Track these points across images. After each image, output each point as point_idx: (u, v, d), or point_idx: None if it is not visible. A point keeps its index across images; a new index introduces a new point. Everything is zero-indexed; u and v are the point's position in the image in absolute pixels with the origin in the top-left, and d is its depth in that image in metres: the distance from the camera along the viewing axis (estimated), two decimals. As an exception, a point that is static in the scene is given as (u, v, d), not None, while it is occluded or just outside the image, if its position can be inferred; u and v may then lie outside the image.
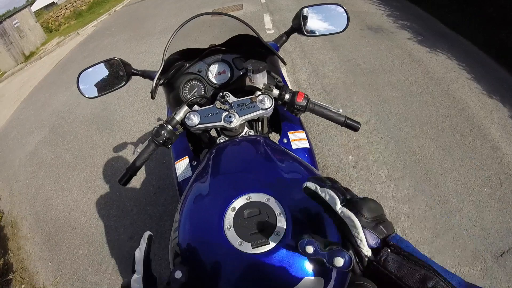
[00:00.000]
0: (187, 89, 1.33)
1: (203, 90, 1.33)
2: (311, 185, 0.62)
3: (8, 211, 3.70)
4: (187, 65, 1.33)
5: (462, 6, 5.80)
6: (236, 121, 1.06)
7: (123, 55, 6.69)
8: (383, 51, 4.63)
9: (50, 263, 2.87)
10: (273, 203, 0.73)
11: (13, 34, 12.35)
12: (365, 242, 0.56)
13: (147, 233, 0.75)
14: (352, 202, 0.58)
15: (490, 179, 2.56)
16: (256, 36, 1.19)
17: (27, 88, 8.24)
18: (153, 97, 1.21)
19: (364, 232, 0.56)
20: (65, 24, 15.91)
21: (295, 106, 1.10)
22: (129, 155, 3.53)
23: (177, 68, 1.34)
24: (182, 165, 1.24)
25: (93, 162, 3.71)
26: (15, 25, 12.53)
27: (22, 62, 12.25)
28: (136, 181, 3.08)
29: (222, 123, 1.07)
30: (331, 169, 2.72)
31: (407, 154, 2.81)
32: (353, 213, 0.56)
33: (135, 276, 0.68)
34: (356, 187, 2.54)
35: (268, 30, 6.01)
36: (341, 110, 1.15)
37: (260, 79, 1.15)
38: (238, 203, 0.74)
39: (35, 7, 20.03)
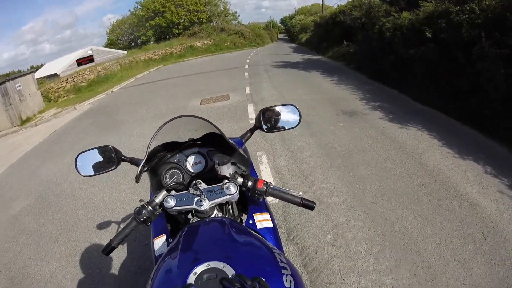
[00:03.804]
0: (167, 176, 1.49)
1: (181, 178, 1.49)
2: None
3: None
4: (169, 155, 1.53)
5: (431, 80, 6.19)
6: (206, 205, 1.18)
7: (116, 135, 6.91)
8: (357, 133, 4.81)
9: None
10: (228, 268, 0.85)
11: (13, 96, 12.33)
12: None
13: None
14: None
15: (473, 236, 2.54)
16: (222, 135, 1.37)
17: (18, 152, 8.13)
18: (137, 181, 1.36)
19: None
20: (64, 96, 16.18)
21: (256, 191, 1.24)
22: (112, 233, 3.37)
23: (160, 158, 1.51)
24: (159, 242, 1.33)
25: (75, 236, 3.53)
26: (17, 88, 12.59)
27: (18, 125, 12.13)
28: (118, 260, 2.91)
29: (194, 206, 1.19)
30: (310, 250, 2.62)
31: (385, 227, 2.76)
32: None
33: None
34: (336, 265, 2.44)
35: (251, 119, 6.28)
36: (301, 193, 1.26)
37: (225, 170, 1.30)
38: (199, 269, 0.86)
39: (38, 74, 20.39)
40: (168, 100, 9.77)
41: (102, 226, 3.54)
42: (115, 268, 2.85)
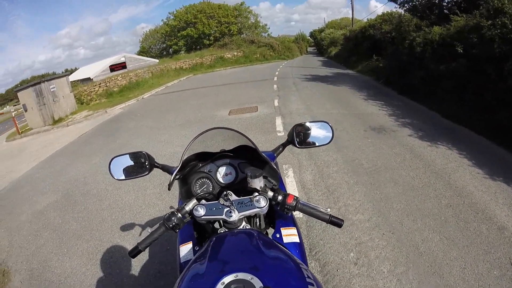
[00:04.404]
0: (197, 185, 1.53)
1: (211, 188, 1.53)
2: None
3: (3, 260, 3.59)
4: (200, 165, 1.57)
5: (461, 95, 6.03)
6: (235, 216, 1.19)
7: (145, 141, 7.10)
8: (385, 150, 4.72)
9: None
10: (256, 281, 0.83)
11: (47, 96, 13.06)
12: None
13: None
14: None
15: (499, 261, 2.42)
16: (255, 149, 1.39)
17: (49, 150, 8.53)
18: (169, 189, 1.42)
19: None
20: (96, 100, 16.81)
21: (286, 206, 1.23)
22: (135, 235, 3.44)
23: (192, 167, 1.55)
24: (185, 249, 1.33)
25: (99, 235, 3.60)
26: (52, 89, 13.31)
27: (50, 124, 12.76)
28: (139, 262, 2.95)
29: (223, 216, 1.20)
30: (332, 266, 2.57)
31: (409, 248, 2.67)
32: None
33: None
34: (357, 284, 2.37)
35: (279, 132, 6.20)
36: (329, 210, 1.25)
37: (257, 183, 1.30)
38: (227, 279, 0.85)
39: (72, 77, 21.26)
40: (197, 109, 9.91)
41: (126, 228, 3.60)
42: (135, 270, 2.88)
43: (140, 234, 3.43)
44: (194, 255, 1.29)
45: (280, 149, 1.67)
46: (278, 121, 7.01)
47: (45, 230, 4.00)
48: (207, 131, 1.40)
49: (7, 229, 4.28)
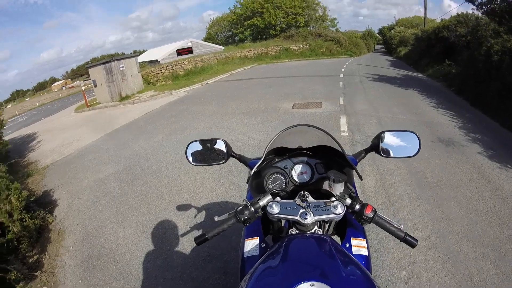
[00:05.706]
0: (270, 180, 1.50)
1: (284, 184, 1.48)
2: None
3: (60, 220, 3.91)
4: (276, 159, 1.54)
5: None
6: (310, 219, 1.14)
7: (207, 125, 7.29)
8: (452, 165, 4.44)
9: (80, 281, 2.90)
10: None
11: (116, 74, 14.12)
12: None
13: None
14: None
15: None
16: (342, 152, 1.33)
17: (114, 124, 9.13)
18: (248, 182, 1.43)
19: None
20: (162, 81, 17.61)
21: (363, 216, 1.17)
22: (190, 216, 3.58)
23: (268, 161, 1.52)
24: (251, 244, 1.32)
25: (155, 210, 3.81)
26: (121, 68, 14.36)
27: (117, 100, 13.69)
28: (190, 243, 3.08)
29: (298, 218, 1.15)
30: (381, 281, 2.50)
31: (463, 277, 2.51)
32: None
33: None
34: (404, 304, 2.29)
35: (343, 132, 6.01)
36: (402, 226, 1.20)
37: (338, 188, 1.29)
38: (303, 286, 0.82)
39: (140, 58, 22.39)
40: (260, 99, 9.93)
41: (182, 208, 3.76)
42: (186, 250, 3.03)
43: (195, 217, 3.56)
44: (259, 252, 1.28)
45: (363, 154, 1.60)
46: (343, 121, 6.78)
47: (104, 197, 4.31)
48: (294, 126, 1.36)
49: (68, 192, 4.69)
